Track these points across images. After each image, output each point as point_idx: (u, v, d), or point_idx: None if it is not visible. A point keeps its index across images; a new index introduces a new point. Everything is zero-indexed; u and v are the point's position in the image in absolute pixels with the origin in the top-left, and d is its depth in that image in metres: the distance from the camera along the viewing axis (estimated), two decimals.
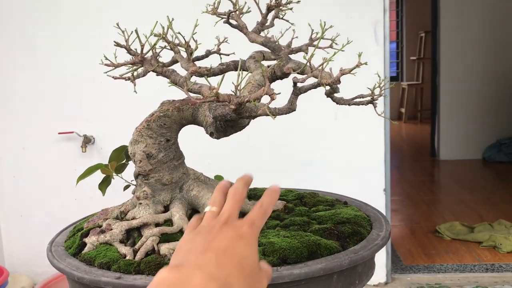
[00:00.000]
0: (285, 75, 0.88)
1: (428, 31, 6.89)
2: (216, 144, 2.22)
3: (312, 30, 1.11)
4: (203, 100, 0.64)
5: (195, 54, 1.15)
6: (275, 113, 0.72)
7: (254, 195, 1.24)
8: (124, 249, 0.86)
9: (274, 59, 1.13)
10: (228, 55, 1.13)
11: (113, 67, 0.72)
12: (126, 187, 1.06)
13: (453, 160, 5.00)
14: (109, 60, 0.72)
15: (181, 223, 0.92)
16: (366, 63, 0.75)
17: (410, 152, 5.70)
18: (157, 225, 0.92)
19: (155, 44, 0.73)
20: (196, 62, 1.02)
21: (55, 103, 2.41)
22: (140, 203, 0.95)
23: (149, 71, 0.74)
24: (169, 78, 0.75)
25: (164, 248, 0.85)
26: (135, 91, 0.76)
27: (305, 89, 0.75)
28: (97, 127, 2.42)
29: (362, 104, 0.99)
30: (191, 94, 0.92)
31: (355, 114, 2.34)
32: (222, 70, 1.07)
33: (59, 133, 2.40)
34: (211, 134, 0.91)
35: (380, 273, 2.42)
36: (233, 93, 0.76)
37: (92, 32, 2.34)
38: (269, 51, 1.13)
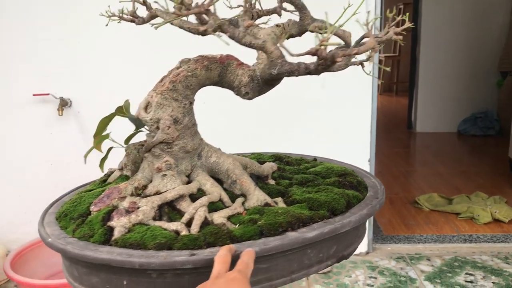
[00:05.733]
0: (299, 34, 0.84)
1: (407, 3, 6.86)
2: (201, 112, 2.14)
3: None
4: (317, 52, 0.56)
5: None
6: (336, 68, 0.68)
7: (263, 161, 1.20)
8: (174, 225, 0.77)
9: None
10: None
11: (178, 16, 0.62)
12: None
13: (429, 132, 5.05)
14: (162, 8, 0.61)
15: (218, 190, 0.85)
16: (412, 24, 0.70)
17: (387, 124, 5.73)
18: (190, 196, 0.84)
19: None
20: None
21: (29, 63, 2.28)
22: (164, 175, 0.85)
23: (216, 24, 0.65)
24: (227, 32, 0.66)
25: (217, 217, 0.79)
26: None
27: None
28: (74, 89, 2.30)
29: (354, 65, 0.94)
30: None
31: (342, 83, 2.29)
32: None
33: (34, 95, 2.28)
34: (245, 94, 0.85)
35: (362, 242, 2.42)
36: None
37: None
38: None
